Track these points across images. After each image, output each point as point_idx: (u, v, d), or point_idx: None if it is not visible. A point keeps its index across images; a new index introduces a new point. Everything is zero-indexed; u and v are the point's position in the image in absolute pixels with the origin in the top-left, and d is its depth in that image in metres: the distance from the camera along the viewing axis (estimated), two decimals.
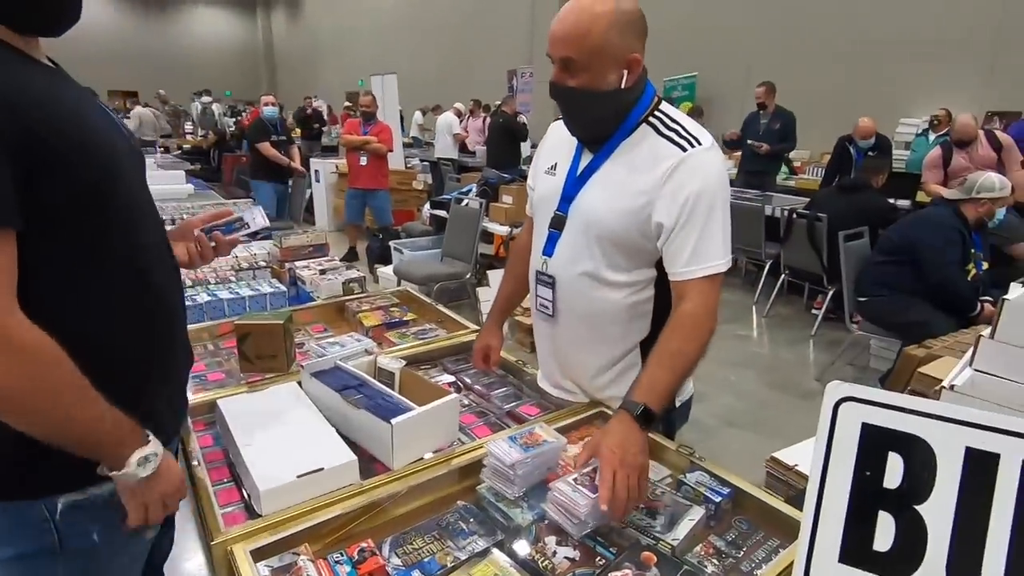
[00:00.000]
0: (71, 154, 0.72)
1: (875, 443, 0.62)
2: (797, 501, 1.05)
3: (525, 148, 6.82)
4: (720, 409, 3.11)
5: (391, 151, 5.48)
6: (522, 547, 0.94)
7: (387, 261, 4.53)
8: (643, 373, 1.04)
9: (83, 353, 0.74)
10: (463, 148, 8.78)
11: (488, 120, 8.34)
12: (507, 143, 6.20)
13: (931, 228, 2.98)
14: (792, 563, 0.86)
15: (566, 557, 0.91)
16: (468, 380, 1.53)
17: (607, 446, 0.95)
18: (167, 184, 4.32)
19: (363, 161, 5.22)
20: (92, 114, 0.80)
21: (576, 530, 0.93)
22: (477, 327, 1.82)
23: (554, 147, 1.27)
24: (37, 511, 0.77)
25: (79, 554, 0.81)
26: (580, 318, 1.21)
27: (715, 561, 0.93)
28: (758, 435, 2.92)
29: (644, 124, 1.12)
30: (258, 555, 0.87)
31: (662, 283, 1.15)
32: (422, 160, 8.09)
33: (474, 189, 4.48)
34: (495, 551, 0.92)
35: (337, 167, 6.56)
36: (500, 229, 4.23)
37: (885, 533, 0.60)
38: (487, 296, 3.61)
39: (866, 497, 0.61)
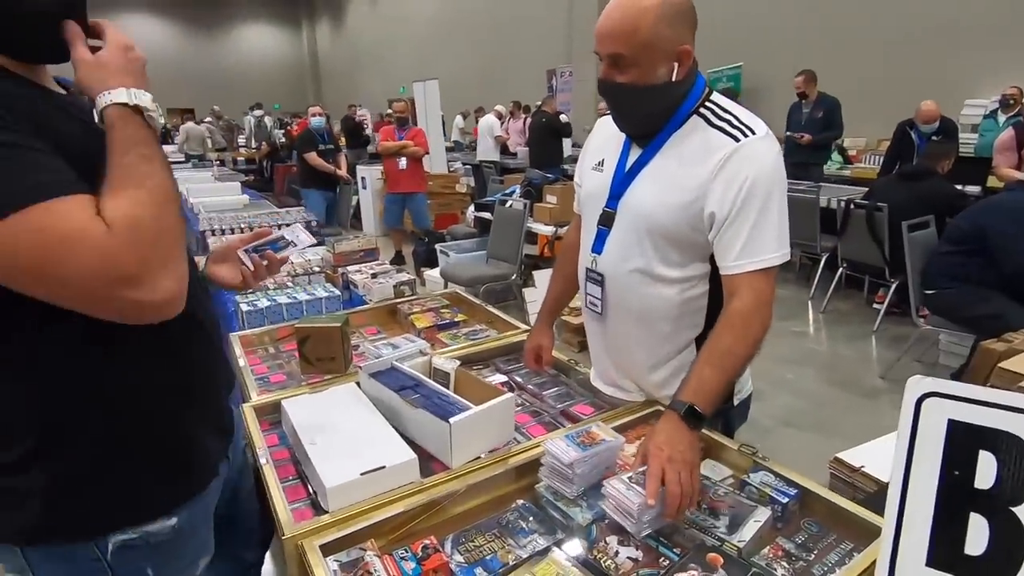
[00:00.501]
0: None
1: (963, 441, 0.58)
2: (871, 503, 1.01)
3: (567, 147, 6.79)
4: (777, 409, 3.00)
5: (427, 153, 5.57)
6: (583, 546, 0.93)
7: (433, 264, 4.60)
8: (691, 372, 1.02)
9: (114, 387, 0.76)
10: (504, 150, 8.82)
11: (529, 121, 8.36)
12: (549, 143, 6.18)
13: (1004, 214, 2.80)
14: (870, 567, 0.83)
15: (629, 557, 0.90)
16: (520, 380, 1.53)
17: (654, 444, 0.94)
18: (225, 196, 4.52)
19: (402, 165, 5.32)
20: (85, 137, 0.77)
21: (635, 529, 0.92)
22: (527, 327, 1.82)
23: (601, 143, 1.26)
24: (88, 551, 0.78)
25: None
26: (631, 315, 1.19)
27: (785, 564, 0.90)
28: (818, 435, 2.81)
29: (695, 116, 1.10)
30: (326, 550, 0.90)
31: (716, 278, 1.12)
32: (464, 164, 8.17)
33: (518, 190, 4.49)
34: (556, 550, 0.92)
35: (382, 173, 6.71)
36: (545, 229, 4.23)
37: (978, 536, 0.57)
38: (533, 297, 3.61)
39: (955, 498, 0.58)
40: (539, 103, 7.26)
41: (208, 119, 12.30)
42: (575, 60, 9.90)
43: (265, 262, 1.13)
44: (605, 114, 1.25)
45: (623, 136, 1.18)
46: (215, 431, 0.94)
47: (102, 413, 0.77)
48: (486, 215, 4.65)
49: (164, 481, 0.84)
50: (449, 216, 6.40)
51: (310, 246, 1.25)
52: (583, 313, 1.32)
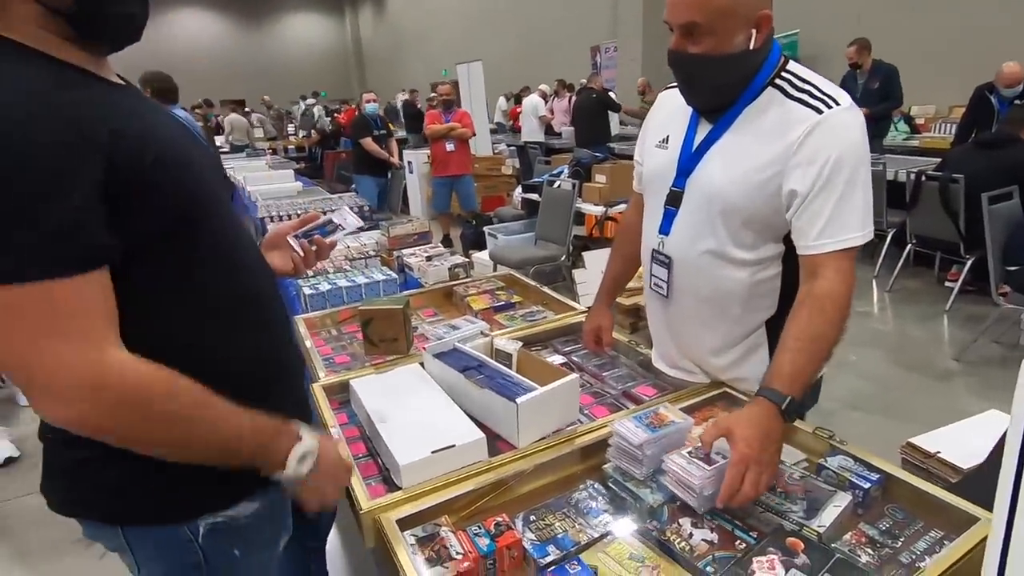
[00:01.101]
0: (159, 177, 0.72)
1: None
2: (959, 490, 0.96)
3: (615, 125, 6.65)
4: (842, 391, 2.89)
5: (474, 135, 5.57)
6: (655, 528, 0.92)
7: (481, 246, 4.62)
8: (784, 360, 0.96)
9: (202, 376, 0.76)
10: (549, 130, 8.72)
11: (574, 99, 8.22)
12: (596, 121, 6.08)
13: None
14: (966, 555, 0.79)
15: (704, 540, 0.89)
16: (579, 360, 1.53)
17: (743, 437, 0.88)
18: (279, 183, 4.65)
19: (450, 147, 5.34)
20: (170, 128, 0.80)
21: (697, 503, 0.91)
22: (582, 308, 1.81)
23: (664, 119, 1.21)
24: (182, 533, 0.81)
25: (222, 568, 0.85)
26: (699, 298, 1.16)
27: (869, 550, 0.87)
28: (887, 419, 2.70)
29: (770, 88, 1.04)
30: (402, 524, 0.92)
31: (791, 258, 1.08)
32: (509, 145, 8.13)
33: (566, 171, 4.44)
34: (628, 530, 0.92)
35: (428, 157, 6.76)
36: (594, 209, 4.17)
37: None
38: (583, 278, 3.58)
39: None
40: (584, 81, 7.13)
41: (259, 109, 12.66)
42: (620, 35, 9.64)
43: (314, 247, 1.15)
44: (673, 86, 1.20)
45: (689, 111, 1.13)
46: (295, 412, 0.97)
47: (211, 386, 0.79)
48: (533, 196, 4.63)
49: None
50: (495, 198, 6.40)
51: (358, 229, 1.26)
52: (646, 294, 1.29)
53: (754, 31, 0.99)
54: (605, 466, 1.06)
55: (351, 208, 1.28)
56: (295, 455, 0.80)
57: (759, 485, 0.87)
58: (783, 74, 1.05)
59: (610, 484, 1.03)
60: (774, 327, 1.10)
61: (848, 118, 0.99)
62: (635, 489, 0.99)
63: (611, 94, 6.32)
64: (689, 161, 1.11)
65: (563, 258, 3.95)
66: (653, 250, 1.19)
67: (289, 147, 10.23)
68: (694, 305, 1.17)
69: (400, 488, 1.01)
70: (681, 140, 1.14)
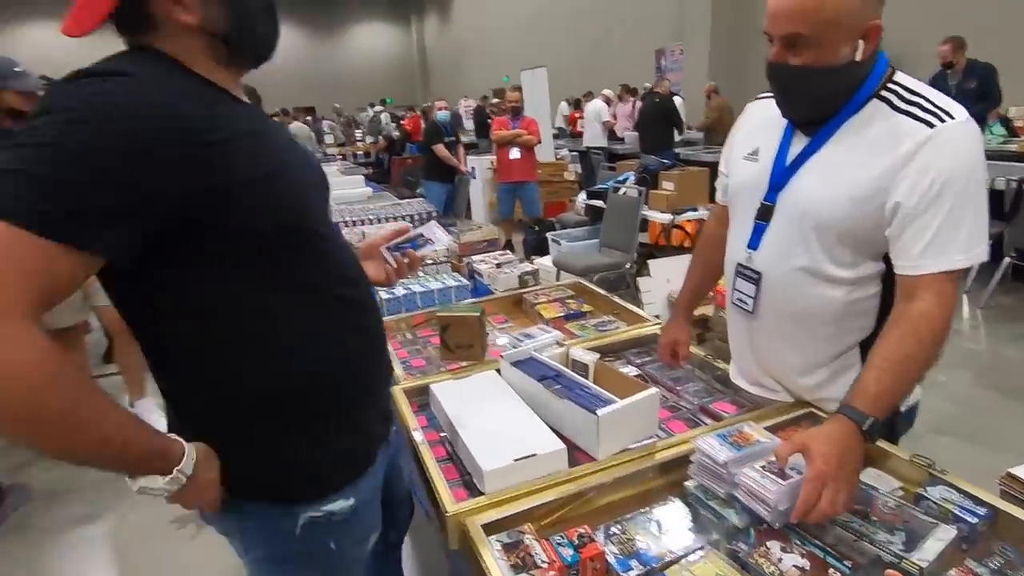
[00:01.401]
0: (266, 189, 0.77)
1: None
2: None
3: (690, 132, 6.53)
4: (930, 414, 2.68)
5: (540, 142, 5.59)
6: (741, 549, 0.91)
7: (543, 252, 4.63)
8: (869, 379, 0.93)
9: (300, 379, 0.83)
10: (611, 135, 8.65)
11: (638, 104, 8.13)
12: (662, 127, 5.98)
13: None
14: None
15: (795, 565, 0.86)
16: (654, 373, 1.51)
17: (821, 454, 0.86)
18: (350, 188, 4.82)
19: (514, 154, 5.39)
20: (286, 148, 0.86)
21: (772, 518, 0.89)
22: (655, 319, 1.79)
23: (754, 129, 1.19)
24: (284, 523, 0.87)
25: (319, 558, 0.91)
26: (788, 315, 1.12)
27: None
28: (978, 446, 2.51)
29: (875, 100, 1.00)
30: (486, 529, 0.95)
31: (891, 278, 1.03)
32: (571, 151, 8.12)
33: (632, 177, 4.39)
34: (712, 550, 0.91)
35: (491, 163, 6.84)
36: (661, 217, 4.10)
37: None
38: (648, 286, 3.52)
39: None
40: (648, 85, 7.04)
41: (329, 116, 13.20)
42: (686, 36, 9.45)
43: (407, 260, 1.20)
44: (764, 97, 1.18)
45: (783, 122, 1.10)
46: (379, 418, 1.02)
47: (308, 385, 0.86)
48: (598, 203, 4.60)
49: (345, 458, 0.92)
50: (557, 204, 6.40)
51: (446, 244, 1.29)
52: (728, 308, 1.26)
53: (861, 42, 0.95)
54: (687, 483, 1.05)
55: (436, 222, 1.30)
56: (160, 480, 0.74)
57: (836, 504, 0.84)
58: (890, 85, 1.00)
59: (692, 502, 1.02)
60: (869, 349, 1.05)
61: (963, 133, 0.94)
62: (719, 508, 0.98)
63: (677, 98, 6.20)
64: (782, 175, 1.08)
65: (628, 266, 3.91)
66: (739, 264, 1.17)
67: (357, 153, 10.61)
68: (782, 322, 1.14)
69: (483, 493, 1.03)
70: (774, 153, 1.11)
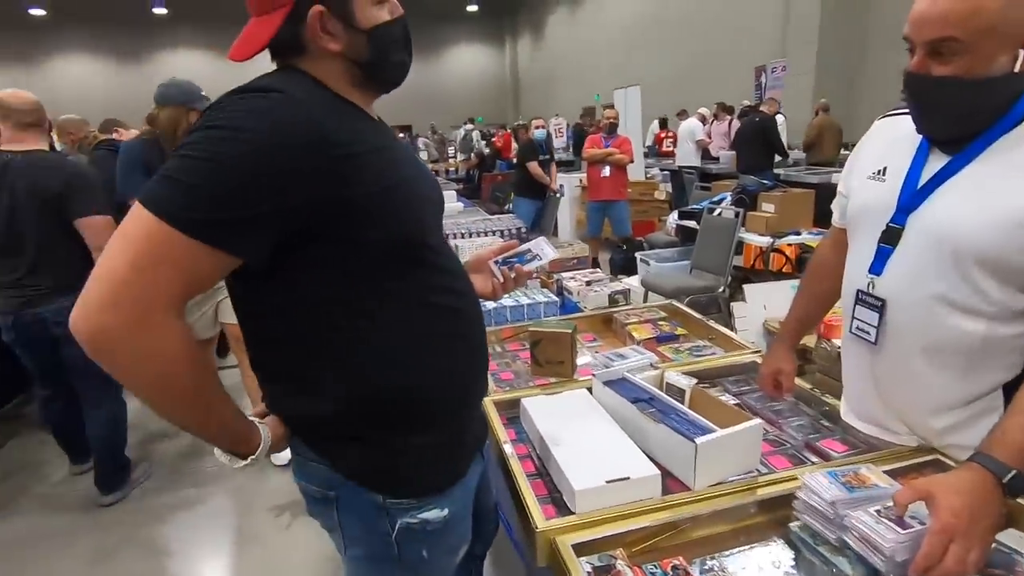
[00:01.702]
0: (385, 202, 0.81)
1: None
2: None
3: (794, 152, 6.23)
4: None
5: (632, 162, 5.53)
6: None
7: (630, 272, 4.55)
8: (1013, 425, 0.83)
9: (403, 388, 0.87)
10: (705, 154, 8.40)
11: (734, 123, 7.85)
12: (762, 147, 5.73)
13: None
14: None
15: None
16: (753, 404, 1.44)
17: (949, 506, 0.77)
18: (445, 203, 5.02)
19: (605, 173, 5.36)
20: (409, 163, 0.91)
21: (886, 568, 0.81)
22: (756, 347, 1.70)
23: (882, 148, 1.11)
24: (382, 526, 0.91)
25: (412, 563, 0.95)
26: (918, 349, 1.03)
27: None
28: None
29: None
30: (576, 550, 0.93)
31: None
32: (662, 170, 7.97)
33: (728, 197, 4.23)
34: None
35: (580, 181, 6.85)
36: (759, 240, 3.92)
37: None
38: (743, 312, 3.36)
39: None
40: (746, 103, 6.79)
41: (424, 134, 13.81)
42: (790, 47, 9.02)
43: (513, 274, 1.21)
44: (894, 113, 1.10)
45: (916, 140, 1.02)
46: (479, 423, 1.04)
47: (408, 391, 0.89)
48: (690, 223, 4.48)
49: (440, 463, 0.95)
50: (646, 223, 6.29)
51: (554, 258, 1.29)
52: (844, 339, 1.18)
53: (1022, 51, 0.86)
54: (791, 524, 0.98)
55: (544, 238, 1.30)
56: (238, 460, 0.86)
57: (965, 563, 0.75)
58: None
59: (797, 543, 0.95)
60: (1014, 392, 0.94)
61: None
62: (829, 555, 0.91)
63: (779, 116, 5.92)
64: (914, 196, 1.00)
65: (720, 289, 3.76)
66: (859, 291, 1.08)
67: (449, 169, 11.00)
68: (910, 357, 1.04)
69: (572, 512, 1.02)
70: (904, 172, 1.03)
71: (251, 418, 0.89)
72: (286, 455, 0.92)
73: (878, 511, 0.86)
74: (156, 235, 0.69)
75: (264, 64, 0.89)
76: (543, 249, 1.25)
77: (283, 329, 0.86)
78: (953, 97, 0.91)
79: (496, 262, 1.20)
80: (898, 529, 0.82)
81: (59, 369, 2.39)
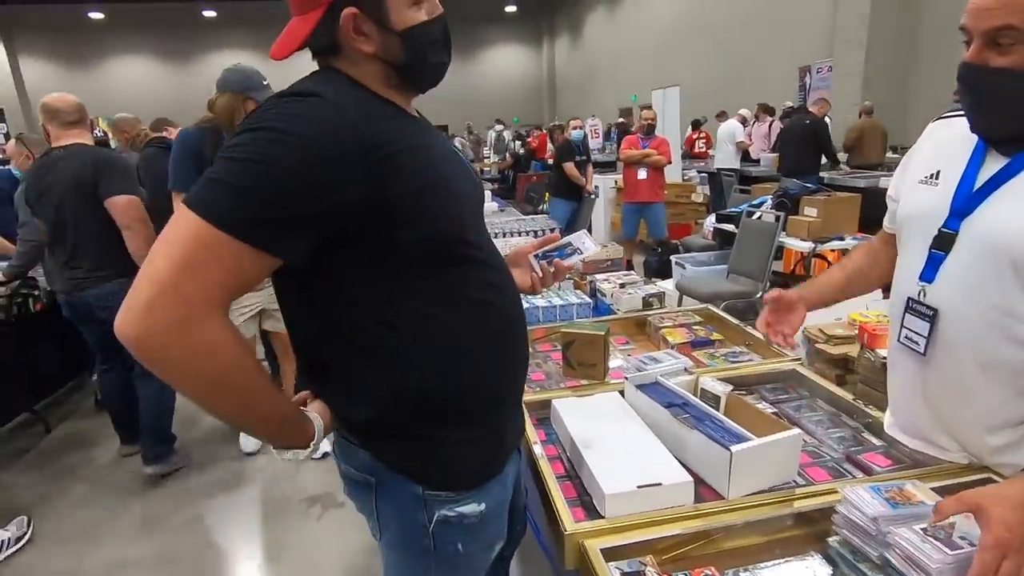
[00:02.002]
0: (422, 201, 0.81)
1: None
2: None
3: (841, 155, 6.03)
4: None
5: (670, 163, 5.45)
6: None
7: (664, 275, 4.48)
8: None
9: (443, 382, 0.87)
10: (745, 156, 8.22)
11: (776, 125, 7.65)
12: (808, 150, 5.57)
13: None
14: None
15: None
16: (792, 413, 1.39)
17: (1003, 521, 0.73)
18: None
19: (641, 175, 5.29)
20: (448, 160, 0.91)
21: None
22: (794, 355, 1.66)
23: (935, 151, 1.06)
24: (419, 516, 0.92)
25: (447, 555, 0.95)
26: (972, 362, 0.97)
27: None
28: None
29: None
30: (605, 554, 0.92)
31: None
32: (700, 172, 7.83)
33: (769, 201, 4.13)
34: None
35: (616, 182, 6.78)
36: (801, 245, 3.80)
37: None
38: None
39: None
40: (789, 104, 6.61)
41: (460, 134, 13.90)
42: (837, 47, 8.71)
43: (552, 269, 1.20)
44: (949, 115, 1.05)
45: (971, 141, 0.97)
46: (513, 423, 1.04)
47: (449, 386, 0.90)
48: (728, 227, 4.38)
49: (484, 457, 0.96)
50: (682, 226, 6.19)
51: (594, 252, 1.26)
52: (892, 348, 1.13)
53: None
54: (830, 539, 0.95)
55: (585, 231, 1.29)
56: (293, 453, 0.88)
57: None
58: None
59: (836, 559, 0.92)
60: None
61: None
62: (870, 573, 0.87)
63: (827, 118, 5.73)
64: (969, 200, 0.95)
65: (758, 295, 3.66)
66: (909, 299, 1.04)
67: (485, 169, 11.04)
68: (964, 369, 0.99)
69: (601, 516, 1.01)
70: (959, 175, 0.98)
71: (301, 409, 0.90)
72: (322, 445, 0.93)
73: (924, 529, 0.82)
74: (204, 237, 0.70)
75: (308, 65, 0.91)
76: (584, 243, 1.23)
77: (327, 330, 0.88)
78: (1012, 89, 0.86)
79: (536, 256, 1.20)
80: (946, 550, 0.78)
81: (114, 341, 2.52)
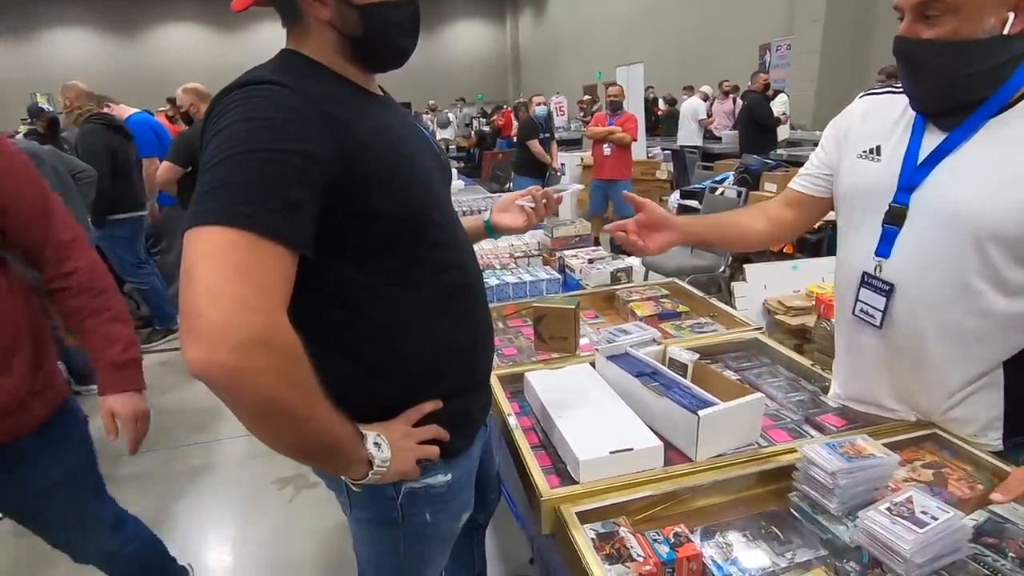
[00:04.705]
0: (384, 180, 0.80)
1: None
2: None
3: (783, 130, 6.17)
4: None
5: (635, 140, 5.48)
6: (854, 569, 0.85)
7: (630, 252, 4.55)
8: None
9: (410, 363, 0.87)
10: (708, 134, 8.33)
11: (739, 102, 7.77)
12: (755, 125, 5.68)
13: None
14: None
15: None
16: (754, 380, 1.45)
17: None
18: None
19: (607, 151, 5.32)
20: (412, 138, 0.90)
21: (905, 570, 0.81)
22: (754, 324, 1.72)
23: (872, 126, 1.08)
24: (387, 490, 0.93)
25: (416, 526, 0.97)
26: (930, 333, 1.01)
27: None
28: None
29: None
30: (580, 518, 0.96)
31: None
32: (663, 149, 7.91)
33: (731, 177, 4.22)
34: (821, 567, 0.86)
35: (582, 159, 6.80)
36: None
37: None
38: (743, 292, 3.37)
39: None
40: (751, 83, 6.71)
41: (418, 112, 13.65)
42: (797, 31, 8.87)
43: (544, 201, 1.25)
44: (873, 93, 1.09)
45: (909, 117, 1.01)
46: (479, 406, 1.05)
47: (415, 366, 0.91)
48: (692, 203, 4.46)
49: (452, 433, 0.96)
50: None
51: (578, 189, 1.37)
52: (846, 322, 1.16)
53: (1011, 15, 0.84)
54: (791, 495, 1.00)
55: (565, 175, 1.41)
56: (372, 453, 0.84)
57: None
58: None
59: (797, 514, 0.98)
60: (1015, 366, 0.96)
61: None
62: (828, 524, 0.93)
63: (782, 95, 5.84)
64: (915, 173, 0.99)
65: (721, 269, 3.76)
66: (865, 273, 1.07)
67: (450, 147, 10.90)
68: (924, 338, 1.02)
69: (576, 482, 1.04)
70: (903, 150, 1.01)
71: None
72: None
73: (889, 508, 0.84)
74: (237, 243, 0.66)
75: (269, 38, 0.88)
76: (569, 186, 1.36)
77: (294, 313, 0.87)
78: (942, 59, 0.89)
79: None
80: (915, 528, 0.80)
81: None
